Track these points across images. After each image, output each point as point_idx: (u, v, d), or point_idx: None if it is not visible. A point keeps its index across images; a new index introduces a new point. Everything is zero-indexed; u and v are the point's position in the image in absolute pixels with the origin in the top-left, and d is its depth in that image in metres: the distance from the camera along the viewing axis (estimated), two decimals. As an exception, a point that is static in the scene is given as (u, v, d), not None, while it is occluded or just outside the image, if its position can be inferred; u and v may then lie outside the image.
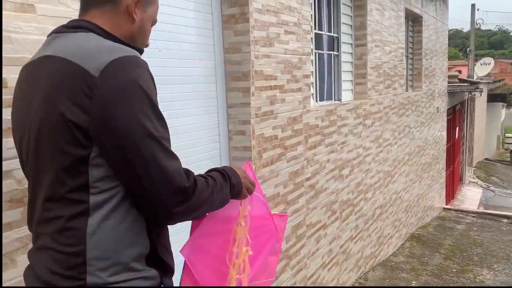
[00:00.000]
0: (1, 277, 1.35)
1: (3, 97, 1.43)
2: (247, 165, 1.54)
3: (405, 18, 6.55)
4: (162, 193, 1.03)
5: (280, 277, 3.22)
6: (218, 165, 2.74)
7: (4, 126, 1.42)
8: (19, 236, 1.49)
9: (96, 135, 1.00)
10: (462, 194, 11.61)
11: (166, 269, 1.17)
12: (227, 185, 1.23)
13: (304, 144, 3.46)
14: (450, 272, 5.57)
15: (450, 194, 10.80)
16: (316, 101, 3.99)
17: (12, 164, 1.46)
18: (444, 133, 9.45)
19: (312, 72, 3.80)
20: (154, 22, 1.23)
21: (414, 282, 5.06)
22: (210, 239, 1.38)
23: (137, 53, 1.06)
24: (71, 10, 1.62)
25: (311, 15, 3.72)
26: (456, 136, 12.01)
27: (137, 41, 1.19)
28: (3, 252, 1.45)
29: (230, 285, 1.37)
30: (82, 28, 1.09)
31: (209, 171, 1.25)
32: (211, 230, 1.36)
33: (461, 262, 6.06)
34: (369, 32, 4.77)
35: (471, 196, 11.44)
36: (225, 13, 2.72)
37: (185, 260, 1.34)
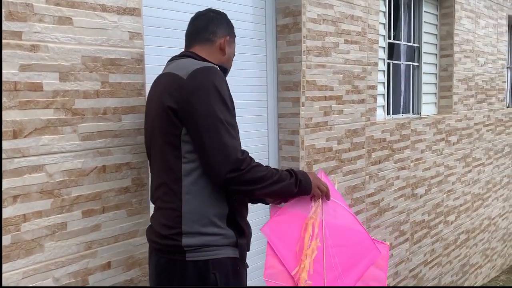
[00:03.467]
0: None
1: (40, 99, 1.61)
2: (321, 173, 1.66)
3: (510, 26, 5.94)
4: (218, 161, 1.38)
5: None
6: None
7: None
8: (48, 224, 1.65)
9: (182, 117, 1.43)
10: None
11: (240, 230, 1.53)
12: (291, 178, 1.53)
13: (367, 158, 3.31)
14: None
15: None
16: (388, 113, 3.79)
17: (45, 159, 1.63)
18: None
19: (383, 83, 3.64)
20: (234, 54, 1.74)
21: (501, 320, 4.50)
22: (288, 225, 1.64)
23: (216, 66, 1.51)
24: (107, 21, 1.77)
25: (384, 24, 3.57)
26: None
27: (225, 67, 1.70)
28: (33, 237, 1.62)
29: (300, 273, 1.59)
30: (187, 56, 1.61)
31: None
32: (288, 219, 1.64)
33: None
34: (457, 41, 4.41)
35: None
36: (279, 23, 2.73)
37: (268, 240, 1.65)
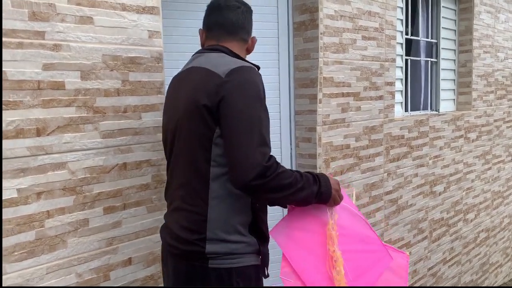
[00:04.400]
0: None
1: (62, 98, 1.64)
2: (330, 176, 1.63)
3: (531, 20, 5.82)
4: (243, 165, 1.29)
5: (349, 292, 3.09)
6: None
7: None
8: (70, 220, 1.68)
9: (218, 117, 1.35)
10: None
11: (263, 237, 1.48)
12: (314, 187, 1.44)
13: (385, 155, 3.29)
14: None
15: None
16: (406, 110, 3.75)
17: (67, 156, 1.66)
18: None
19: (401, 79, 3.60)
20: None
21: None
22: (304, 233, 1.54)
23: (254, 67, 1.45)
24: (127, 20, 1.79)
25: (402, 20, 3.53)
26: None
27: None
28: (56, 233, 1.65)
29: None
30: (217, 50, 1.51)
31: (305, 172, 1.48)
32: (304, 226, 1.54)
33: None
34: (476, 37, 4.34)
35: None
36: (296, 20, 2.73)
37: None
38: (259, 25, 2.57)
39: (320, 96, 2.71)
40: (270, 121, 2.60)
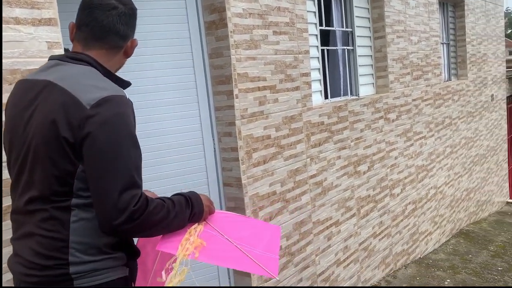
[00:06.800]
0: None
1: None
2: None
3: (442, 4, 6.24)
4: (110, 210, 1.21)
5: (282, 273, 3.27)
6: (203, 165, 2.86)
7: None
8: (-18, 235, 1.71)
9: (82, 151, 1.21)
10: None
11: (132, 252, 1.40)
12: (187, 211, 1.41)
13: (306, 142, 3.47)
14: (494, 271, 5.23)
15: (516, 187, 10.02)
16: (327, 97, 3.96)
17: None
18: (504, 123, 8.80)
19: (318, 69, 3.79)
20: None
21: (448, 280, 4.83)
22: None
23: (124, 93, 1.29)
24: (23, 34, 1.81)
25: (315, 12, 3.71)
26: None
27: (119, 69, 1.44)
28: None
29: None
30: (83, 61, 1.31)
31: (175, 194, 1.44)
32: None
33: (511, 260, 5.66)
34: (389, 23, 4.63)
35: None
36: (206, 20, 2.83)
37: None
38: (169, 27, 2.65)
39: (236, 91, 2.83)
40: (189, 119, 2.74)
